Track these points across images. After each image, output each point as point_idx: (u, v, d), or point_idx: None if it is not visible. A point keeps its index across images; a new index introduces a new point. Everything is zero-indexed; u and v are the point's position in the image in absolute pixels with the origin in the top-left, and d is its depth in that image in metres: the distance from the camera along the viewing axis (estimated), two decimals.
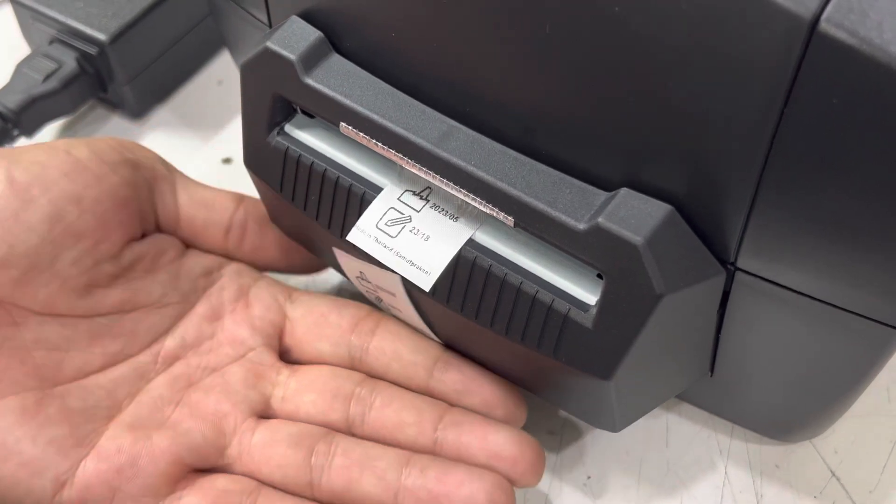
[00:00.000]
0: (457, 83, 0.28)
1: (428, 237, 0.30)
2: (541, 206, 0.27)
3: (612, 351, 0.27)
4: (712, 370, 0.32)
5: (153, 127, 0.45)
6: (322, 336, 0.35)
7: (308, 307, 0.35)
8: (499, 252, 0.29)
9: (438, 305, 0.30)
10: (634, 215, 0.26)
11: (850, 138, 0.23)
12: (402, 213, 0.30)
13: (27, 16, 0.43)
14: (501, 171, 0.28)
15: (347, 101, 0.29)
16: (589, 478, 0.35)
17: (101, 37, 0.42)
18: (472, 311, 0.29)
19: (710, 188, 0.26)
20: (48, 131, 0.44)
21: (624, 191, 0.27)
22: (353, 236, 0.30)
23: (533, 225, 0.27)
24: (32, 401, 0.30)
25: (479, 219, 0.30)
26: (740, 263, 0.27)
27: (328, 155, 0.31)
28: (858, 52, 0.22)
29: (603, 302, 0.27)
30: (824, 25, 0.22)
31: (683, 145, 0.25)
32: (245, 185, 0.35)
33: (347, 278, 0.35)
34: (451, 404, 0.33)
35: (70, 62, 0.42)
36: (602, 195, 0.27)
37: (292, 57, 0.30)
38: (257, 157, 0.33)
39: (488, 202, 0.28)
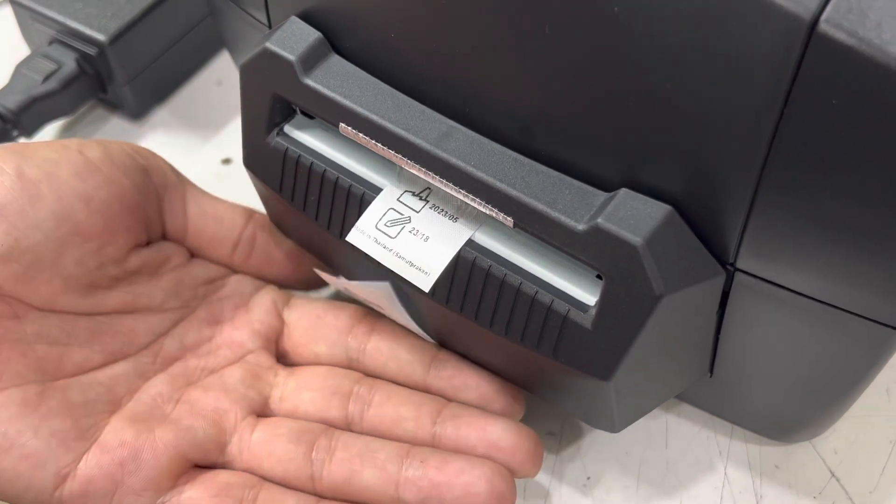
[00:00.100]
0: (456, 83, 0.28)
1: (427, 238, 0.30)
2: (540, 206, 0.27)
3: (611, 351, 0.27)
4: (712, 371, 0.32)
5: (153, 127, 0.45)
6: (319, 338, 0.35)
7: (304, 310, 0.35)
8: (498, 253, 0.29)
9: (437, 307, 0.30)
10: (634, 216, 0.26)
11: (849, 138, 0.23)
12: (401, 214, 0.30)
13: (27, 16, 0.43)
14: (501, 172, 0.28)
15: (347, 102, 0.29)
16: (588, 478, 0.35)
17: (101, 37, 0.42)
18: (471, 311, 0.29)
19: (710, 189, 0.26)
20: (48, 132, 0.44)
21: (623, 191, 0.27)
22: (353, 237, 0.30)
23: (532, 225, 0.27)
24: (34, 393, 0.30)
25: (478, 219, 0.30)
26: (740, 264, 0.27)
27: (327, 155, 0.31)
28: (858, 52, 0.22)
29: (602, 302, 0.27)
30: (824, 26, 0.22)
31: (683, 146, 0.25)
32: (244, 185, 0.35)
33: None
34: (449, 400, 0.33)
35: (69, 63, 0.42)
36: (601, 196, 0.27)
37: (292, 57, 0.30)
38: (257, 158, 0.33)
39: (488, 203, 0.28)
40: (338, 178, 0.31)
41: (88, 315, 0.32)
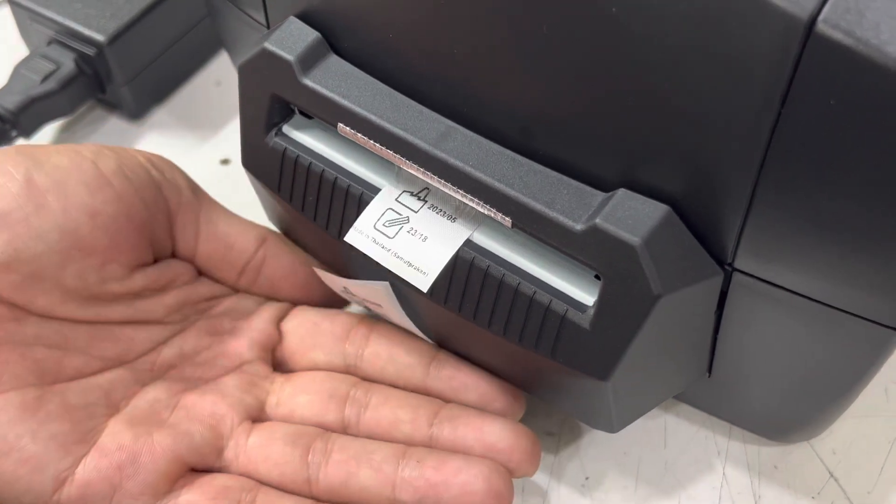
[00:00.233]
0: (454, 84, 0.28)
1: (426, 238, 0.30)
2: (538, 206, 0.27)
3: (609, 351, 0.27)
4: (710, 371, 0.32)
5: (151, 128, 0.45)
6: (316, 345, 0.35)
7: (301, 319, 0.35)
8: (496, 253, 0.29)
9: (435, 307, 0.30)
10: (632, 216, 0.26)
11: (847, 138, 0.23)
12: (399, 214, 0.30)
13: (25, 17, 0.43)
14: (499, 172, 0.28)
15: (345, 102, 0.29)
16: (587, 478, 0.35)
17: (100, 38, 0.42)
18: (469, 311, 0.29)
19: (708, 189, 0.26)
20: (46, 132, 0.44)
21: (621, 191, 0.27)
22: (351, 237, 0.30)
23: (530, 225, 0.27)
24: (33, 396, 0.30)
25: (476, 219, 0.30)
26: (738, 264, 0.27)
27: (326, 156, 0.31)
28: (855, 52, 0.22)
29: (600, 302, 0.27)
30: (821, 26, 0.22)
31: (681, 146, 0.25)
32: (243, 185, 0.35)
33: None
34: (449, 401, 0.33)
35: (68, 63, 0.42)
36: (599, 196, 0.27)
37: (290, 58, 0.30)
38: (255, 158, 0.33)
39: (486, 203, 0.28)
40: (336, 178, 0.31)
41: (88, 323, 0.32)
